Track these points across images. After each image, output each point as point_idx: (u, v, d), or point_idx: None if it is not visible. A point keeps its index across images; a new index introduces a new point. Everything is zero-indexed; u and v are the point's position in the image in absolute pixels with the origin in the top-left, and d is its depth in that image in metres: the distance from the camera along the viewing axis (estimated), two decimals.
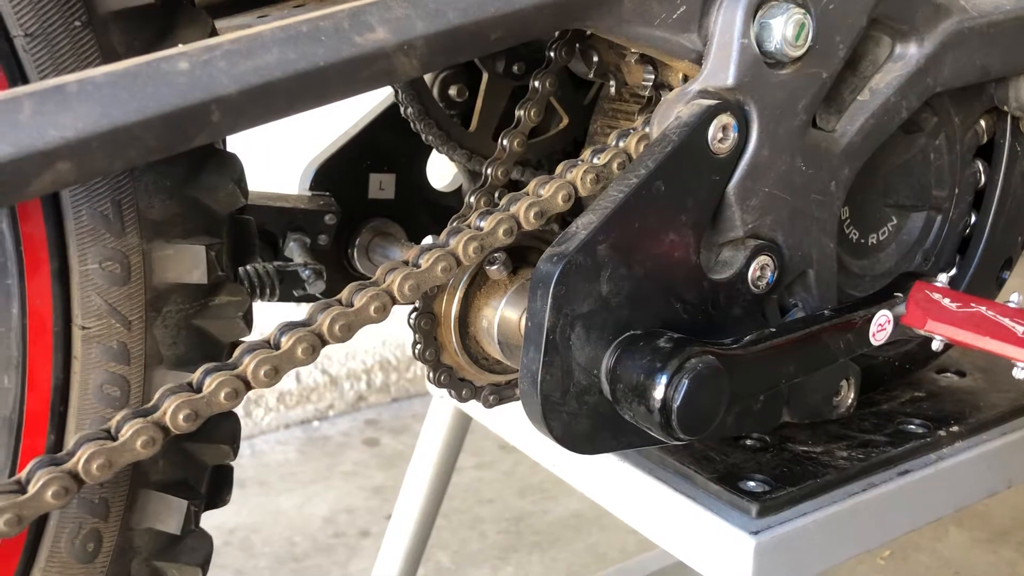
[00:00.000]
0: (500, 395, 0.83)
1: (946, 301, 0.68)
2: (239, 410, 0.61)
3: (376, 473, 2.03)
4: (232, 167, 0.63)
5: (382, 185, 0.96)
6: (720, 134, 0.65)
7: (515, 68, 0.92)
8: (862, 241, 0.83)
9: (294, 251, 0.91)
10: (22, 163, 0.46)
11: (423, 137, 0.90)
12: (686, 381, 0.60)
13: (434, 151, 0.95)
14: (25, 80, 0.55)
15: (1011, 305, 0.67)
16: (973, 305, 0.67)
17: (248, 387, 0.58)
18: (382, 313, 0.62)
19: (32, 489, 0.53)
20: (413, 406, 2.33)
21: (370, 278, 0.63)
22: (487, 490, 1.95)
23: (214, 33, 0.61)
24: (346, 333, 0.61)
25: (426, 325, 0.77)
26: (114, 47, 0.56)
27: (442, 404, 1.23)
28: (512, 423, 0.93)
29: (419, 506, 1.27)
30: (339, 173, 0.95)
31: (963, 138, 0.85)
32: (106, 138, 0.47)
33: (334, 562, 1.73)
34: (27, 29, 0.55)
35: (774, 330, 0.68)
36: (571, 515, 1.84)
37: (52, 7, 0.55)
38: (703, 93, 0.65)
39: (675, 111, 0.66)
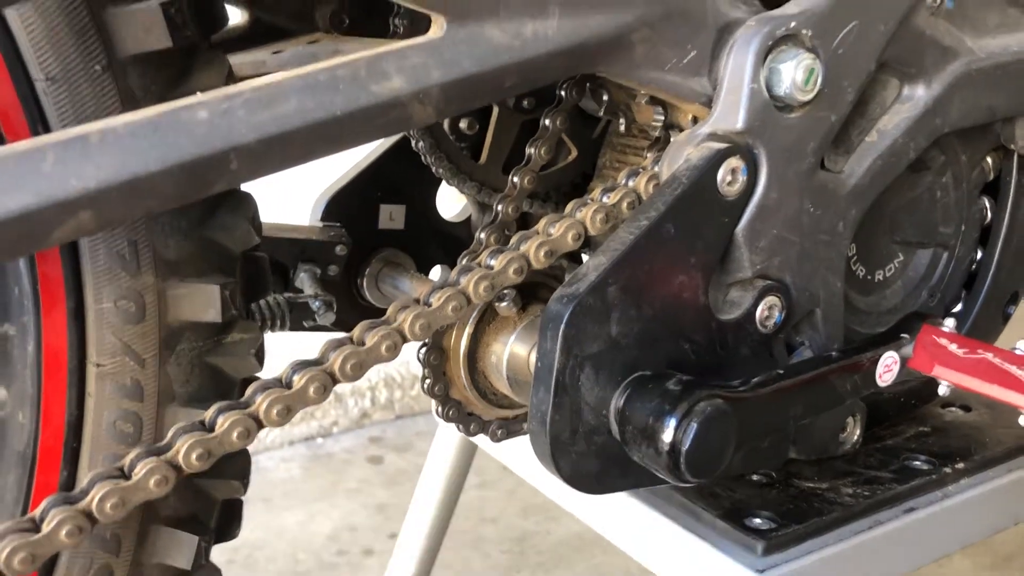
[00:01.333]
0: (508, 429, 0.83)
1: (953, 347, 0.68)
2: None
3: (380, 491, 2.03)
4: (247, 207, 0.64)
5: (392, 216, 0.97)
6: (729, 177, 0.65)
7: (525, 103, 0.92)
8: (868, 278, 0.83)
9: (305, 282, 0.91)
10: (44, 213, 0.46)
11: (433, 169, 0.91)
12: (695, 424, 0.60)
13: (444, 182, 0.96)
14: (46, 124, 0.56)
15: (1018, 352, 0.67)
16: (980, 351, 0.67)
17: (260, 426, 0.59)
18: (393, 352, 0.63)
19: (46, 528, 0.54)
20: (417, 424, 2.33)
21: (379, 308, 0.63)
22: (490, 509, 1.95)
23: (231, 74, 0.62)
24: (358, 372, 0.62)
25: (435, 360, 0.77)
26: (133, 91, 0.57)
27: (449, 429, 1.24)
28: (517, 453, 0.93)
29: (425, 529, 1.28)
30: (350, 204, 0.96)
31: (969, 176, 0.86)
32: (126, 188, 0.48)
33: None
34: (49, 73, 0.55)
35: (782, 372, 0.68)
36: (574, 536, 1.84)
37: (73, 52, 0.55)
38: (713, 136, 0.66)
39: (685, 153, 0.67)
